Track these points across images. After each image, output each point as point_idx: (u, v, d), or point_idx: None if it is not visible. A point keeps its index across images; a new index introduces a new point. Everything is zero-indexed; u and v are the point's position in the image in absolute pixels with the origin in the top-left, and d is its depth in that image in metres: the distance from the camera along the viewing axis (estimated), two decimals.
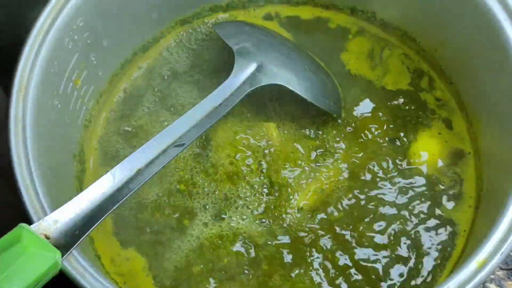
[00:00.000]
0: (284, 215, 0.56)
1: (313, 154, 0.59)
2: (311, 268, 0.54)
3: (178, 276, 0.54)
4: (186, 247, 0.55)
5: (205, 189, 0.57)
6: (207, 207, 0.56)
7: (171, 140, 0.50)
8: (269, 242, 0.55)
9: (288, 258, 0.54)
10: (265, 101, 0.61)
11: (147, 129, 0.61)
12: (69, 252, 0.41)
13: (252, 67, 0.58)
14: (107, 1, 0.57)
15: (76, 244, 0.42)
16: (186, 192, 0.57)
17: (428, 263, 0.55)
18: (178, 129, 0.51)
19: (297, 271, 0.54)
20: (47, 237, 0.41)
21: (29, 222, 0.42)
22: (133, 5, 0.60)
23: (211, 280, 0.53)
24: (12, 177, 0.47)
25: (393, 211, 0.57)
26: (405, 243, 0.55)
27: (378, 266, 0.54)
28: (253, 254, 0.54)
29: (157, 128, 0.60)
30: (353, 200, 0.57)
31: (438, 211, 0.57)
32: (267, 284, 0.53)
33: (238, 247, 0.55)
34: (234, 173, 0.57)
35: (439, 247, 0.55)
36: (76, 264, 0.44)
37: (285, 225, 0.56)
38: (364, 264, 0.54)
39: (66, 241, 0.42)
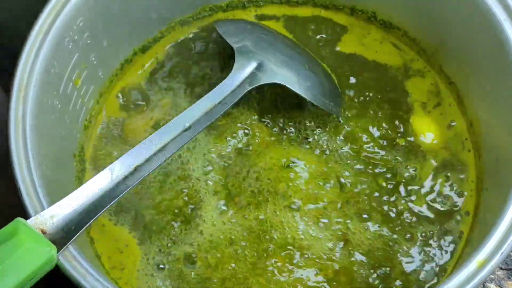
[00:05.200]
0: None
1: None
2: None
3: None
4: None
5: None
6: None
7: (169, 138, 0.50)
8: None
9: None
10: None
11: (147, 129, 0.61)
12: (65, 247, 0.42)
13: (252, 66, 0.58)
14: (107, 1, 0.57)
15: (72, 239, 0.42)
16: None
17: (427, 263, 0.55)
18: (177, 127, 0.51)
19: None
20: (44, 232, 0.41)
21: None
22: (133, 5, 0.60)
23: None
24: (12, 177, 0.47)
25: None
26: (404, 243, 0.55)
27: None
28: None
29: (157, 127, 0.61)
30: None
31: (438, 212, 0.57)
32: None
33: None
34: None
35: (439, 246, 0.55)
36: (76, 264, 0.44)
37: None
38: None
39: (63, 236, 0.42)
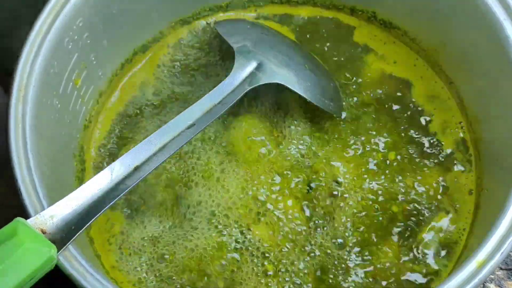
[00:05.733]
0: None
1: None
2: None
3: None
4: None
5: None
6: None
7: (168, 138, 0.50)
8: None
9: None
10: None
11: (147, 129, 0.61)
12: (65, 247, 0.41)
13: (252, 66, 0.58)
14: (107, 1, 0.57)
15: (72, 239, 0.42)
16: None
17: (427, 262, 0.55)
18: (176, 126, 0.51)
19: None
20: (43, 232, 0.41)
21: None
22: (133, 5, 0.60)
23: None
24: (12, 177, 0.47)
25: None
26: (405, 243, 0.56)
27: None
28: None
29: (156, 127, 0.60)
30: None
31: (438, 212, 0.57)
32: None
33: None
34: None
35: (439, 246, 0.55)
36: (76, 264, 0.44)
37: None
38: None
39: (62, 236, 0.42)
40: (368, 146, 0.59)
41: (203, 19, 0.67)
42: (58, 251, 0.40)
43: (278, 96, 0.62)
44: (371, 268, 0.54)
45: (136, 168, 0.48)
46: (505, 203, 0.47)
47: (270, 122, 0.61)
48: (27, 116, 0.49)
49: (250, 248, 0.54)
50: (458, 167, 0.59)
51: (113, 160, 0.47)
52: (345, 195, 0.57)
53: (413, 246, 0.55)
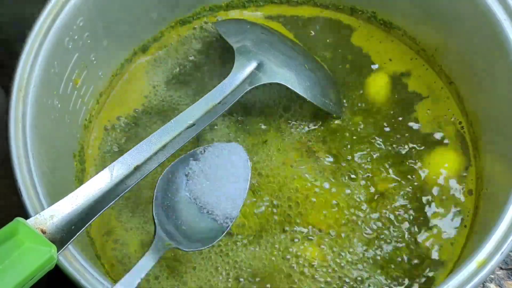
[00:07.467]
0: None
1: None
2: None
3: None
4: None
5: None
6: None
7: (168, 138, 0.50)
8: None
9: None
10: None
11: (147, 129, 0.61)
12: (65, 247, 0.41)
13: (252, 66, 0.58)
14: (107, 1, 0.57)
15: (72, 239, 0.42)
16: None
17: (427, 263, 0.55)
18: (176, 127, 0.51)
19: None
20: (43, 232, 0.41)
21: None
22: (133, 5, 0.60)
23: None
24: (12, 177, 0.47)
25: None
26: (403, 243, 0.56)
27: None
28: None
29: (157, 127, 0.60)
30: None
31: (437, 212, 0.57)
32: None
33: None
34: None
35: (438, 246, 0.55)
36: (76, 264, 0.44)
37: None
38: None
39: (62, 236, 0.42)
40: (366, 145, 0.60)
41: (203, 19, 0.67)
42: (58, 251, 0.40)
43: (278, 96, 0.62)
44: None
45: (136, 168, 0.48)
46: (505, 203, 0.47)
47: (268, 122, 0.61)
48: (27, 116, 0.49)
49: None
50: (457, 167, 0.59)
51: (113, 160, 0.47)
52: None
53: (413, 247, 0.55)
